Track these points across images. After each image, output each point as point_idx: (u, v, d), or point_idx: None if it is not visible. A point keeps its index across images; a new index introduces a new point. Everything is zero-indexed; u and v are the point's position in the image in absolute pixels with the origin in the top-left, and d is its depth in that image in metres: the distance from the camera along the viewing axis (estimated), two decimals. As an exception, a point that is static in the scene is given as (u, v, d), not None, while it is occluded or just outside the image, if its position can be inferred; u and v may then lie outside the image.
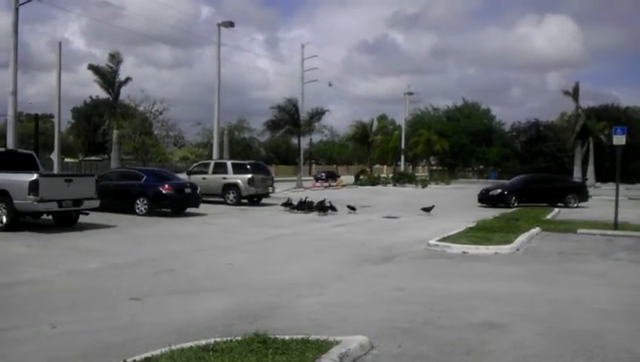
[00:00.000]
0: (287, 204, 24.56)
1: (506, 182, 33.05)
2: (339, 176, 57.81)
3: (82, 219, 17.99)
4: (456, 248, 13.73)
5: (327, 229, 18.39)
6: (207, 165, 29.56)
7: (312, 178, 59.84)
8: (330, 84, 66.43)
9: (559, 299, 8.95)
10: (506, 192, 27.90)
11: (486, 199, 28.22)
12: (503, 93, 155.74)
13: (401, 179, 54.94)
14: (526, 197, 27.64)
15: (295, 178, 47.83)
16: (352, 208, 23.87)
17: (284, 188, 37.84)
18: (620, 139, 18.23)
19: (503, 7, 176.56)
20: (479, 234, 15.63)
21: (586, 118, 48.85)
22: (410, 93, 77.77)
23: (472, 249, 13.60)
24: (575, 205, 27.80)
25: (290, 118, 46.38)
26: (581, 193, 28.83)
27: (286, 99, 46.82)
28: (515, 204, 27.04)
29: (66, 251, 13.05)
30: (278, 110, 46.49)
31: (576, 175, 45.95)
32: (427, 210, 23.23)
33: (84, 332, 6.84)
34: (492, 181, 56.06)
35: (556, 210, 25.29)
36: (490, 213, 22.67)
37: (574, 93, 47.62)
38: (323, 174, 57.88)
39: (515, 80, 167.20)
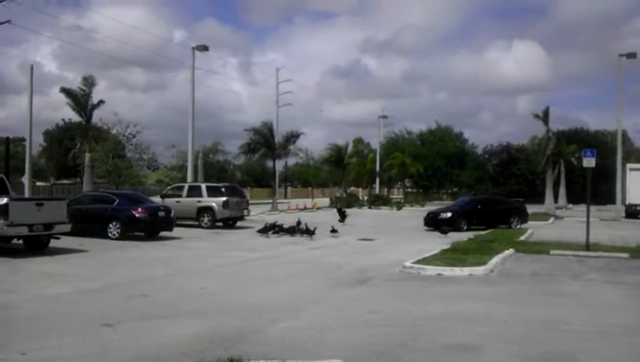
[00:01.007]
0: (264, 229, 24.33)
1: (451, 204, 32.51)
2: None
3: (53, 243, 17.71)
4: (431, 270, 13.79)
5: (302, 252, 18.34)
6: (181, 188, 29.42)
7: (287, 201, 59.72)
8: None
9: (533, 320, 9.02)
10: (456, 215, 26.86)
11: (434, 222, 26.74)
12: (474, 117, 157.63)
13: (376, 201, 55.16)
14: (476, 220, 27.08)
15: (270, 201, 47.69)
16: (334, 231, 23.96)
17: (259, 211, 37.73)
18: (589, 162, 18.58)
19: (472, 33, 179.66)
20: (454, 255, 15.72)
21: (556, 142, 49.71)
22: (384, 117, 78.19)
23: (447, 271, 13.67)
24: (518, 226, 27.66)
25: (265, 141, 46.47)
26: (522, 214, 28.77)
27: (262, 123, 47.05)
28: (465, 228, 26.18)
29: (37, 276, 12.81)
30: (253, 133, 46.60)
31: (548, 197, 46.54)
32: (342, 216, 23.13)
33: (55, 359, 6.70)
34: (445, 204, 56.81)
35: (529, 231, 25.58)
36: (459, 236, 22.66)
37: (544, 117, 48.41)
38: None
39: (485, 104, 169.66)
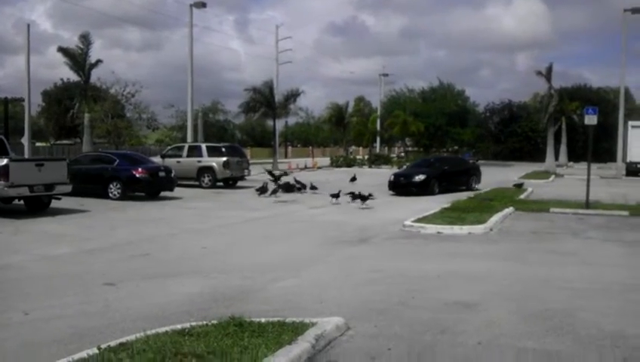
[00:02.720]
0: (261, 189, 24.35)
1: (411, 165, 29.78)
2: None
3: (54, 204, 17.76)
4: (431, 228, 13.88)
5: (303, 211, 18.42)
6: (181, 148, 29.33)
7: (287, 161, 59.67)
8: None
9: (532, 277, 9.10)
10: (430, 178, 24.52)
11: (403, 186, 24.41)
12: (474, 74, 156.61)
13: (377, 160, 55.15)
14: (445, 182, 25.20)
15: (271, 160, 47.65)
16: (314, 187, 24.42)
17: (259, 171, 37.72)
18: (591, 119, 18.49)
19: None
20: (454, 214, 15.79)
21: (558, 99, 49.35)
22: (385, 75, 77.75)
23: (447, 229, 13.76)
24: (475, 187, 26.49)
25: (265, 101, 46.15)
26: (478, 175, 27.70)
27: (263, 82, 46.63)
28: (437, 191, 24.13)
29: (38, 236, 12.89)
30: (253, 92, 46.23)
31: (549, 155, 46.50)
32: (335, 196, 20.67)
33: (58, 318, 6.78)
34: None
35: (529, 189, 25.58)
36: (433, 200, 21.96)
37: (547, 74, 47.94)
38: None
39: (486, 61, 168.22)
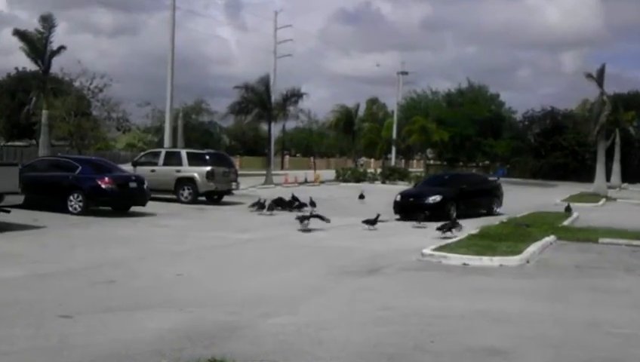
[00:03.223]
0: (257, 205, 24.50)
1: (422, 182, 29.86)
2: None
3: (2, 217, 17.77)
4: (455, 259, 13.90)
5: (303, 234, 18.45)
6: (157, 155, 29.47)
7: (284, 173, 59.84)
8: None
9: (574, 320, 9.09)
10: (447, 199, 23.86)
11: (411, 208, 23.44)
12: (511, 75, 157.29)
13: (391, 175, 55.24)
14: (463, 205, 24.57)
15: (264, 172, 47.75)
16: (312, 204, 24.69)
17: (250, 185, 37.80)
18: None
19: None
20: (483, 242, 15.80)
21: (612, 107, 49.34)
22: (404, 73, 77.97)
23: (474, 260, 13.79)
24: (497, 211, 26.38)
25: (259, 101, 46.27)
26: (500, 196, 27.63)
27: (257, 79, 46.77)
28: (454, 215, 22.19)
29: (-18, 256, 12.91)
30: (245, 90, 46.30)
31: (599, 174, 46.42)
32: (371, 222, 20.09)
33: (4, 354, 6.78)
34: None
35: (575, 214, 25.58)
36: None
37: (599, 77, 47.88)
38: None
39: (525, 60, 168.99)
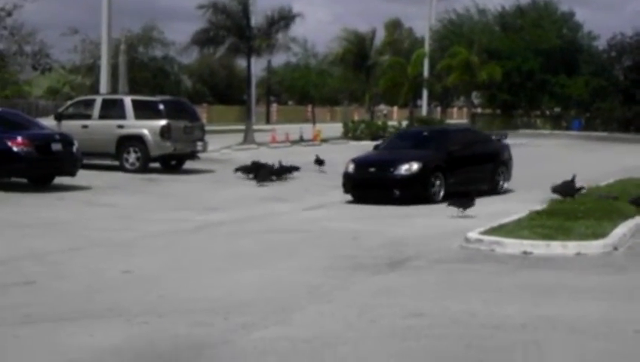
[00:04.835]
0: (243, 169, 24.87)
1: (388, 142, 27.00)
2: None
3: None
4: (513, 245, 13.84)
5: (294, 213, 18.49)
6: (90, 104, 29.46)
7: (270, 128, 59.75)
8: None
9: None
10: (429, 168, 22.06)
11: (372, 184, 22.08)
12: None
13: (422, 129, 55.11)
14: (454, 177, 22.75)
15: (242, 127, 47.57)
16: (319, 162, 25.66)
17: (222, 145, 37.73)
18: None
19: None
20: (551, 222, 15.68)
21: None
22: (439, -17, 77.18)
23: (540, 246, 13.73)
24: (504, 187, 24.91)
25: (234, 26, 45.96)
26: (508, 165, 25.57)
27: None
28: (441, 194, 21.75)
29: None
30: (214, 11, 46.00)
31: None
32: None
33: None
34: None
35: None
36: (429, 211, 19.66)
37: None
38: None
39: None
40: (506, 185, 24.87)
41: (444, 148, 23.42)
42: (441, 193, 21.76)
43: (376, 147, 25.97)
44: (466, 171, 23.65)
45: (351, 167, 22.22)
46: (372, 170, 22.40)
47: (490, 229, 14.96)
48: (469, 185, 22.53)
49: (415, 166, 21.76)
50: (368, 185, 21.98)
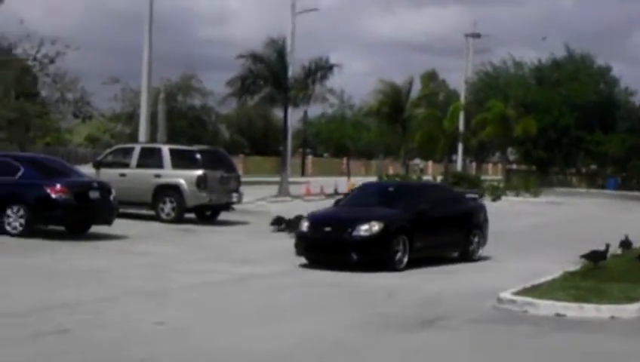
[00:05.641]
0: (278, 223, 24.78)
1: (351, 198, 24.33)
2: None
3: None
4: (547, 307, 13.76)
5: (327, 270, 18.39)
6: (128, 153, 29.67)
7: (304, 180, 59.78)
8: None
9: None
10: (392, 229, 19.77)
11: (327, 245, 19.68)
12: (627, 39, 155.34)
13: (457, 183, 54.92)
14: (422, 240, 20.49)
15: (277, 179, 47.57)
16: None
17: (257, 196, 37.78)
18: None
19: None
20: (585, 283, 15.60)
21: None
22: (476, 36, 76.84)
23: (573, 309, 13.63)
24: (479, 254, 22.39)
25: (271, 75, 46.01)
26: (483, 228, 23.12)
27: (268, 41, 46.37)
28: (404, 260, 19.63)
29: None
30: (252, 60, 46.11)
31: None
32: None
33: None
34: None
35: None
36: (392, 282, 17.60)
37: None
38: None
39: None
40: (480, 252, 22.38)
41: (411, 206, 21.09)
42: (405, 259, 19.57)
43: (337, 202, 24.23)
44: (435, 234, 21.35)
45: (305, 225, 20.25)
46: (327, 229, 19.92)
47: (523, 290, 14.88)
48: (438, 250, 21.59)
49: (376, 226, 19.40)
50: (322, 246, 19.67)
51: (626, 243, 19.62)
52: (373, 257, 19.20)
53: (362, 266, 18.65)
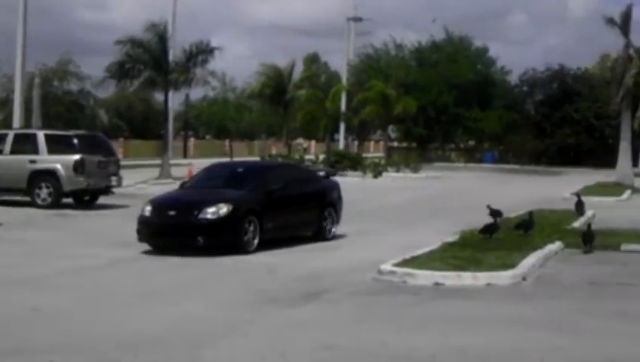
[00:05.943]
0: None
1: (197, 179, 22.83)
2: None
3: None
4: (425, 276, 13.97)
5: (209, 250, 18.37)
6: (2, 139, 28.94)
7: (187, 162, 59.25)
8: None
9: (589, 359, 9.21)
10: (241, 211, 19.04)
11: (171, 230, 18.76)
12: (503, 21, 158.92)
13: (339, 162, 55.20)
14: (273, 221, 19.90)
15: (158, 162, 47.13)
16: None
17: (137, 179, 37.43)
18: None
19: None
20: (463, 253, 15.97)
21: (640, 63, 50.06)
22: (357, 20, 77.86)
23: (451, 277, 13.91)
24: (333, 232, 21.84)
25: (151, 59, 45.65)
26: (337, 206, 22.60)
27: (148, 25, 45.83)
28: (255, 242, 18.90)
29: None
30: (132, 45, 45.65)
31: (623, 157, 46.86)
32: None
33: None
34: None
35: (589, 212, 25.77)
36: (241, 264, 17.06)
37: (623, 24, 48.34)
38: None
39: (522, 1, 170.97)
40: (334, 230, 21.84)
41: (260, 187, 20.41)
42: (256, 241, 18.84)
43: (182, 185, 22.59)
44: (287, 214, 20.77)
45: (147, 210, 19.04)
46: (172, 213, 19.01)
47: (402, 261, 15.11)
48: (291, 230, 20.84)
49: (224, 209, 18.64)
50: (167, 232, 18.73)
51: (496, 213, 19.91)
52: (222, 240, 18.45)
53: (210, 250, 17.90)
